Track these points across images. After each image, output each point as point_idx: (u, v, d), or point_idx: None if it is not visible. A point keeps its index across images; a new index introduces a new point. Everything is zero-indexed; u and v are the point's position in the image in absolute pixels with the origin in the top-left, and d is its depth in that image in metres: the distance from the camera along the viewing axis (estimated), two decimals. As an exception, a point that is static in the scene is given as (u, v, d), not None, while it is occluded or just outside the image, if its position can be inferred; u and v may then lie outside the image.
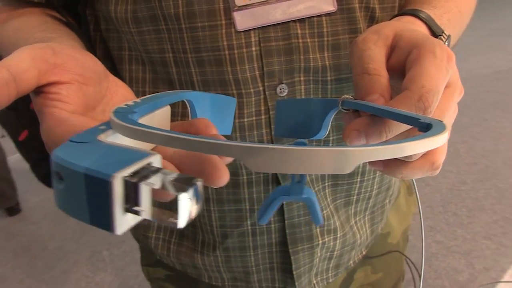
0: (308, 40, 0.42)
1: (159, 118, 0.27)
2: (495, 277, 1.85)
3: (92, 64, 0.30)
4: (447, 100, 0.29)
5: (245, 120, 0.44)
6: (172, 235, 0.53)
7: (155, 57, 0.44)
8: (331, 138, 0.47)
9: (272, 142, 0.45)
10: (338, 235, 0.54)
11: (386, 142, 0.17)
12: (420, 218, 0.59)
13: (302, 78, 0.43)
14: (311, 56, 0.42)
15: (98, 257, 2.17)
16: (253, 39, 0.41)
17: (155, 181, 0.17)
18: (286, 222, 0.49)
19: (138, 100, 0.25)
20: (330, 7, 0.41)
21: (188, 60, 0.42)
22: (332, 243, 0.54)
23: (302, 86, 0.44)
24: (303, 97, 0.44)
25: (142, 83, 0.46)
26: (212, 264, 0.52)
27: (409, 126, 0.27)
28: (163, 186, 0.17)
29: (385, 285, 0.69)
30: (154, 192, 0.18)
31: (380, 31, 0.32)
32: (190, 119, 0.29)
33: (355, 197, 0.54)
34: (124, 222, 0.17)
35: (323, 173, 0.17)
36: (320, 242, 0.52)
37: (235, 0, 0.40)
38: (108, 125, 0.22)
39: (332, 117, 0.33)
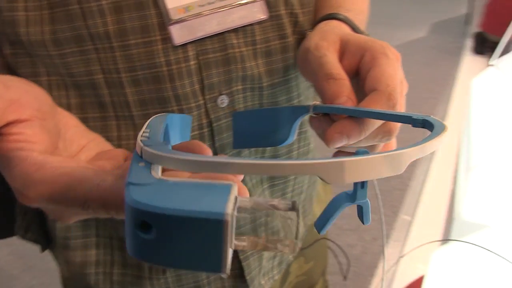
0: (244, 49, 0.42)
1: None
2: (381, 244, 2.05)
3: (43, 96, 0.27)
4: (401, 95, 0.32)
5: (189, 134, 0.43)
6: (114, 266, 0.50)
7: (81, 80, 0.40)
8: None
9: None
10: (281, 234, 0.55)
11: (421, 142, 0.19)
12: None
13: (240, 87, 0.44)
14: (247, 65, 0.43)
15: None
16: (190, 53, 0.40)
17: (250, 210, 0.17)
18: None
19: (146, 130, 0.23)
20: (262, 15, 0.42)
21: (121, 80, 0.40)
22: None
23: (241, 95, 0.44)
24: (241, 106, 0.44)
25: (67, 109, 0.42)
26: (162, 287, 0.50)
27: (381, 122, 0.30)
28: (274, 207, 0.17)
29: (316, 272, 0.73)
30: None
31: (327, 38, 0.34)
32: (162, 140, 0.28)
33: (290, 194, 0.56)
34: (229, 259, 0.16)
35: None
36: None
37: (170, 14, 0.38)
38: (139, 159, 0.20)
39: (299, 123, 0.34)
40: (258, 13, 0.42)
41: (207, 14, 0.40)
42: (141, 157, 0.20)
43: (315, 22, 0.44)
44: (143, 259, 0.17)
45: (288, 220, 0.17)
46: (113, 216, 0.23)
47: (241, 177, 0.23)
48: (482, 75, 1.04)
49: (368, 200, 0.23)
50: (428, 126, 0.24)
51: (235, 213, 0.16)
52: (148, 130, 0.23)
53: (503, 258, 0.52)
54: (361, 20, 0.46)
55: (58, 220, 0.28)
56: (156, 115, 0.29)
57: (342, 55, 0.34)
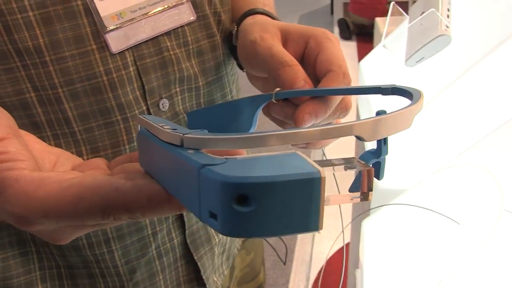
0: (177, 50, 0.43)
1: None
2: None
3: (6, 113, 0.25)
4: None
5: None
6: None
7: (10, 101, 0.37)
8: None
9: None
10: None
11: (413, 103, 0.22)
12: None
13: (178, 89, 0.44)
14: (183, 66, 0.43)
15: None
16: (129, 59, 0.39)
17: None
18: (186, 232, 0.49)
19: (162, 124, 0.22)
20: (191, 16, 0.43)
21: (58, 96, 0.38)
22: (224, 238, 0.56)
23: (179, 97, 0.44)
24: (181, 107, 0.45)
25: None
26: None
27: (341, 97, 0.33)
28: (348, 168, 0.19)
29: (257, 263, 0.75)
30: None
31: (268, 30, 0.37)
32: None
33: None
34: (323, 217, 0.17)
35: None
36: (217, 240, 0.54)
37: (104, 22, 0.37)
38: (182, 149, 0.20)
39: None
40: (187, 14, 0.42)
41: (140, 20, 0.39)
42: (181, 146, 0.20)
43: (239, 19, 0.46)
44: (243, 235, 0.17)
45: (358, 172, 0.19)
46: (138, 218, 0.22)
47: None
48: (367, 58, 1.14)
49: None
50: (398, 92, 0.27)
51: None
52: (162, 124, 0.23)
53: (431, 210, 0.58)
54: (274, 12, 0.49)
55: (55, 242, 0.26)
56: (143, 115, 0.28)
57: (284, 44, 0.36)
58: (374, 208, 0.74)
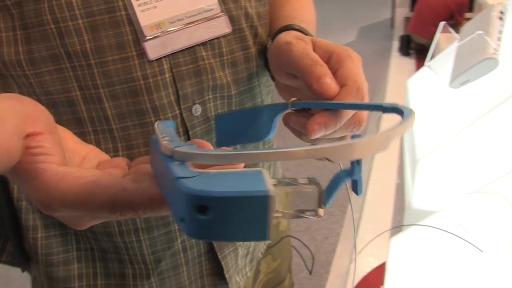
0: (212, 60, 0.46)
1: None
2: (333, 242, 2.13)
3: (46, 110, 0.29)
4: (366, 92, 0.37)
5: None
6: (97, 278, 0.51)
7: (58, 98, 0.42)
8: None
9: None
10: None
11: (398, 124, 0.23)
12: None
13: (211, 96, 0.47)
14: (216, 75, 0.46)
15: None
16: (165, 66, 0.43)
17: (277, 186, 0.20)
18: None
19: (163, 135, 0.26)
20: (226, 29, 0.46)
21: (100, 95, 0.42)
22: (248, 242, 0.58)
23: (212, 104, 0.47)
24: (213, 113, 0.48)
25: None
26: None
27: (353, 112, 0.34)
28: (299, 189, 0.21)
29: (283, 269, 0.76)
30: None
31: (302, 37, 0.39)
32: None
33: None
34: (271, 229, 0.20)
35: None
36: (241, 242, 0.56)
37: (143, 31, 0.41)
38: (171, 160, 0.23)
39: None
40: (223, 27, 0.45)
41: (177, 30, 0.42)
42: (170, 157, 0.23)
43: (275, 33, 0.48)
44: (203, 238, 0.20)
45: (309, 192, 0.21)
46: (140, 215, 0.25)
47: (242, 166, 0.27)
48: (415, 76, 1.13)
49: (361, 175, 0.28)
50: (397, 111, 0.28)
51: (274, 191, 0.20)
52: (165, 135, 0.26)
53: (456, 236, 0.58)
54: (312, 30, 0.51)
55: (74, 227, 0.29)
56: (159, 121, 0.31)
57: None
58: (404, 225, 0.74)
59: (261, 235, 0.20)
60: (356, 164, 0.25)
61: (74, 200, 0.25)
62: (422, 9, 4.12)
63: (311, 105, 0.35)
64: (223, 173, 0.21)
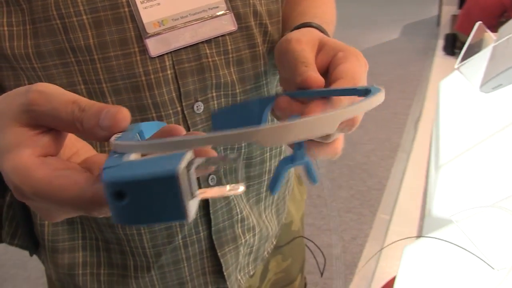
0: (216, 58, 0.45)
1: None
2: (361, 243, 2.10)
3: None
4: None
5: None
6: (100, 267, 0.52)
7: None
8: None
9: None
10: (256, 231, 0.58)
11: (351, 105, 0.22)
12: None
13: (214, 94, 0.47)
14: (220, 73, 0.46)
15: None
16: (167, 63, 0.43)
17: (205, 165, 0.21)
18: (212, 228, 0.52)
19: (118, 134, 0.26)
20: (231, 27, 0.45)
21: (103, 90, 0.42)
22: (252, 240, 0.58)
23: (215, 101, 0.47)
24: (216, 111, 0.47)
25: None
26: (147, 285, 0.53)
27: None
28: (201, 167, 0.21)
29: (294, 270, 0.76)
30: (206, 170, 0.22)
31: (306, 35, 0.39)
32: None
33: (264, 194, 0.59)
34: (192, 208, 0.20)
35: (320, 135, 0.21)
36: (243, 240, 0.56)
37: (145, 28, 0.41)
38: (117, 153, 0.23)
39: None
40: (228, 25, 0.45)
41: (181, 27, 0.42)
42: (114, 152, 0.24)
43: (291, 31, 0.47)
44: (125, 223, 0.21)
45: (234, 165, 0.21)
46: (104, 215, 0.25)
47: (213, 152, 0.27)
48: (448, 78, 1.09)
49: (310, 160, 0.27)
50: (368, 94, 0.27)
51: (192, 170, 0.21)
52: (121, 133, 0.26)
53: (468, 251, 0.56)
54: (329, 30, 0.50)
55: (46, 219, 0.30)
56: (136, 124, 0.32)
57: (317, 53, 0.38)
58: (411, 237, 0.72)
59: (179, 215, 0.20)
60: (297, 148, 0.24)
61: (45, 191, 0.25)
62: (471, 7, 3.96)
63: (293, 95, 0.35)
64: (148, 159, 0.22)
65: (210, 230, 0.53)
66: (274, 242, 0.67)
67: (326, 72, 0.38)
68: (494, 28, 0.99)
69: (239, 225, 0.55)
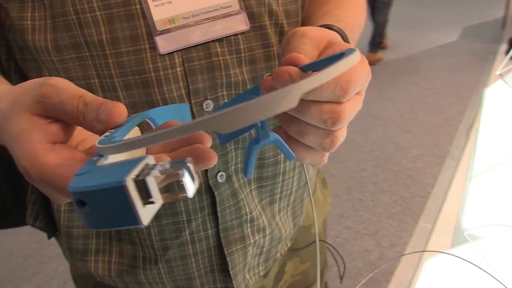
0: (228, 57, 0.45)
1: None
2: (399, 251, 2.03)
3: None
4: (358, 100, 0.34)
5: None
6: (112, 255, 0.54)
7: (79, 83, 0.44)
8: None
9: None
10: (267, 233, 0.58)
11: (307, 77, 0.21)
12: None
13: (224, 93, 0.47)
14: (231, 72, 0.46)
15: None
16: (177, 60, 0.44)
17: (156, 172, 0.21)
18: (220, 226, 0.52)
19: (112, 130, 0.27)
20: (244, 26, 0.45)
21: (114, 85, 0.44)
22: (262, 241, 0.58)
23: (226, 100, 0.47)
24: None
25: None
26: (155, 277, 0.54)
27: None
28: (165, 172, 0.22)
29: (313, 273, 0.75)
30: (162, 180, 0.22)
31: (318, 32, 0.37)
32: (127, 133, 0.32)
33: (278, 195, 0.59)
34: (146, 214, 0.21)
35: (281, 112, 0.20)
36: (252, 241, 0.56)
37: (156, 25, 0.42)
38: (97, 155, 0.24)
39: None
40: (240, 24, 0.45)
41: (191, 26, 0.43)
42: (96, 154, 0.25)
43: None
44: (90, 227, 0.22)
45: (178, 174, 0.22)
46: None
47: (209, 142, 0.27)
48: (494, 85, 1.03)
49: (279, 138, 0.27)
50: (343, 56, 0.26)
51: (151, 176, 0.22)
52: (113, 130, 0.27)
53: (483, 270, 0.53)
54: (354, 35, 0.48)
55: (54, 200, 0.32)
56: (134, 115, 0.32)
57: (324, 50, 0.36)
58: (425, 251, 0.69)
59: (134, 221, 0.21)
60: (260, 128, 0.24)
61: (50, 176, 0.27)
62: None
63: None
64: (115, 164, 0.23)
65: (218, 228, 0.53)
66: (289, 244, 0.66)
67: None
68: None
69: (248, 225, 0.55)
